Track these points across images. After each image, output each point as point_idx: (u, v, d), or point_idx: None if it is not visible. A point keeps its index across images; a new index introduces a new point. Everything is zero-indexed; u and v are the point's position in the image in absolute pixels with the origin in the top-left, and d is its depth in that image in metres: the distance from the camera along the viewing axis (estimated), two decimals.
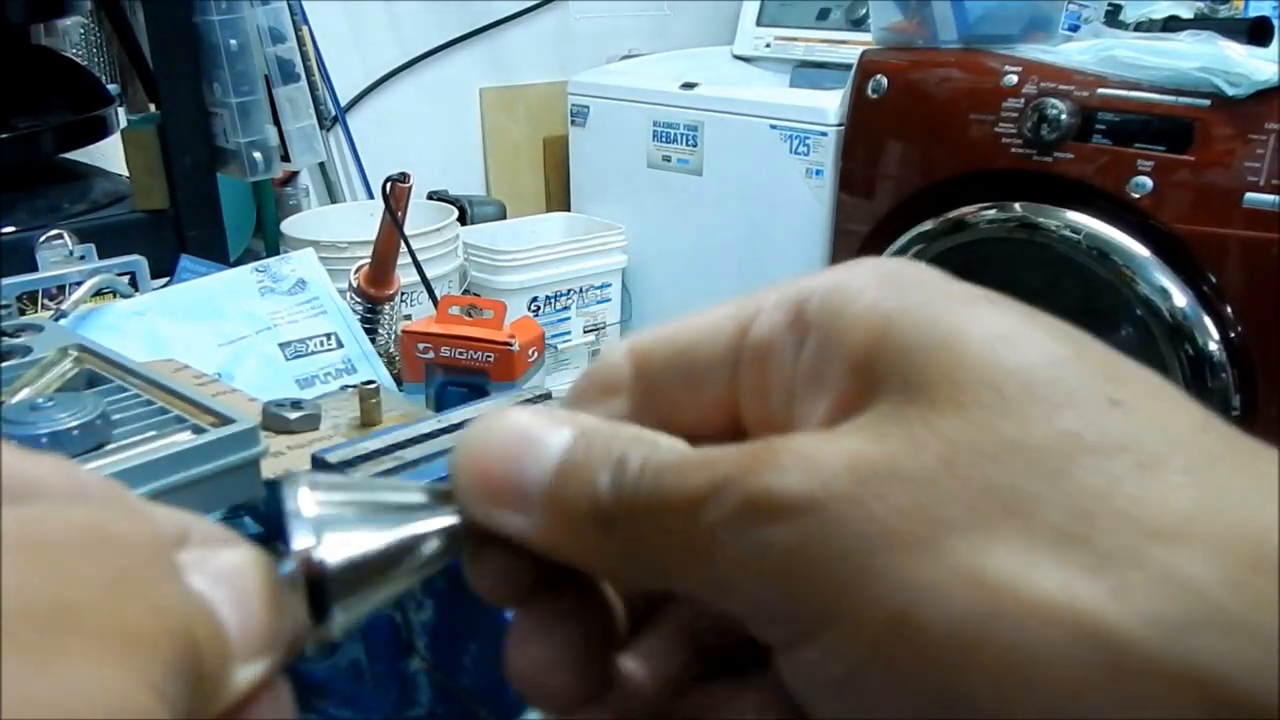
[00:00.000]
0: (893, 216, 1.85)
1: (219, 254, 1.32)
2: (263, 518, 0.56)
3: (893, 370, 0.17)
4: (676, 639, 0.21)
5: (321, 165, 2.24)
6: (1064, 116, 1.57)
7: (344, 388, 0.77)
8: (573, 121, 2.45)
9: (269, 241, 2.00)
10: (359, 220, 1.94)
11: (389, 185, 0.94)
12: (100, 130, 1.37)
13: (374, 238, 0.96)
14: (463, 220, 2.18)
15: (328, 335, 0.89)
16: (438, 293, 1.06)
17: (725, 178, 2.16)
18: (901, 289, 0.18)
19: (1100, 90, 1.56)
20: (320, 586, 0.18)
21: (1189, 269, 1.52)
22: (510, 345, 0.80)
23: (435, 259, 1.86)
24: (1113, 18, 1.88)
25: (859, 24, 2.26)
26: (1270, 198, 1.41)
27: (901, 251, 1.80)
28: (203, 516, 0.18)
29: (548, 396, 0.55)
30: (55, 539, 0.15)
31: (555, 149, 2.61)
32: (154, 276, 0.96)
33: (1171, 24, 1.80)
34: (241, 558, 0.17)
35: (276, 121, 1.32)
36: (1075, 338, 0.17)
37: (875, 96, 1.82)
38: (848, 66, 1.91)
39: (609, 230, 2.35)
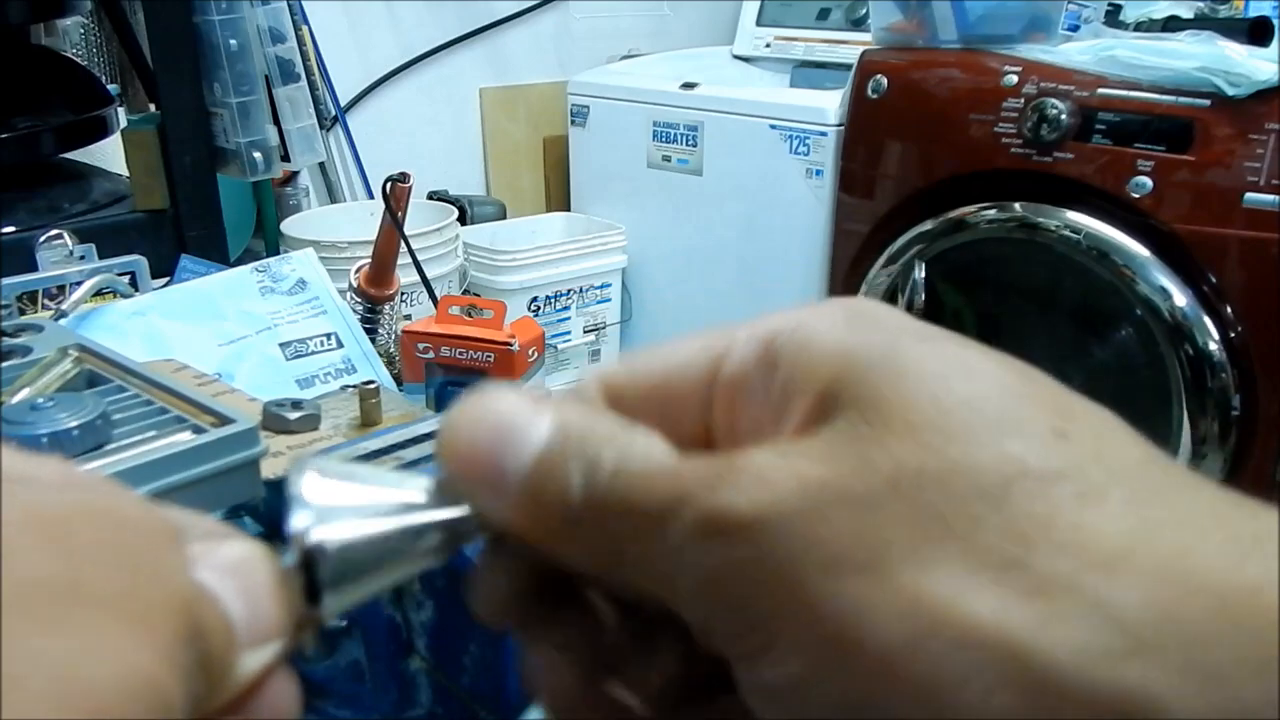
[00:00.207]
0: (893, 216, 1.85)
1: (219, 254, 1.32)
2: (263, 518, 0.56)
3: (851, 396, 0.17)
4: (675, 651, 0.21)
5: (321, 165, 2.24)
6: (1064, 116, 1.57)
7: (344, 388, 0.77)
8: (573, 121, 2.45)
9: (269, 241, 2.00)
10: (359, 220, 1.94)
11: (389, 185, 0.94)
12: (100, 130, 1.37)
13: (374, 238, 0.96)
14: (463, 220, 2.18)
15: (328, 335, 0.89)
16: (438, 293, 1.06)
17: (725, 178, 2.16)
18: (865, 327, 0.18)
19: (1100, 90, 1.56)
20: (313, 566, 0.18)
21: (1189, 269, 1.52)
22: (510, 345, 0.80)
23: (435, 259, 1.86)
24: (1113, 18, 1.88)
25: (859, 24, 2.26)
26: (1270, 198, 1.41)
27: (902, 251, 1.80)
28: (199, 514, 0.19)
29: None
30: (60, 517, 0.15)
31: (555, 149, 2.61)
32: (154, 276, 0.96)
33: (1171, 24, 1.80)
34: (245, 550, 0.18)
35: (276, 121, 1.32)
36: (1026, 373, 0.17)
37: (875, 96, 1.82)
38: (848, 66, 1.91)
39: (609, 230, 2.35)
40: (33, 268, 0.93)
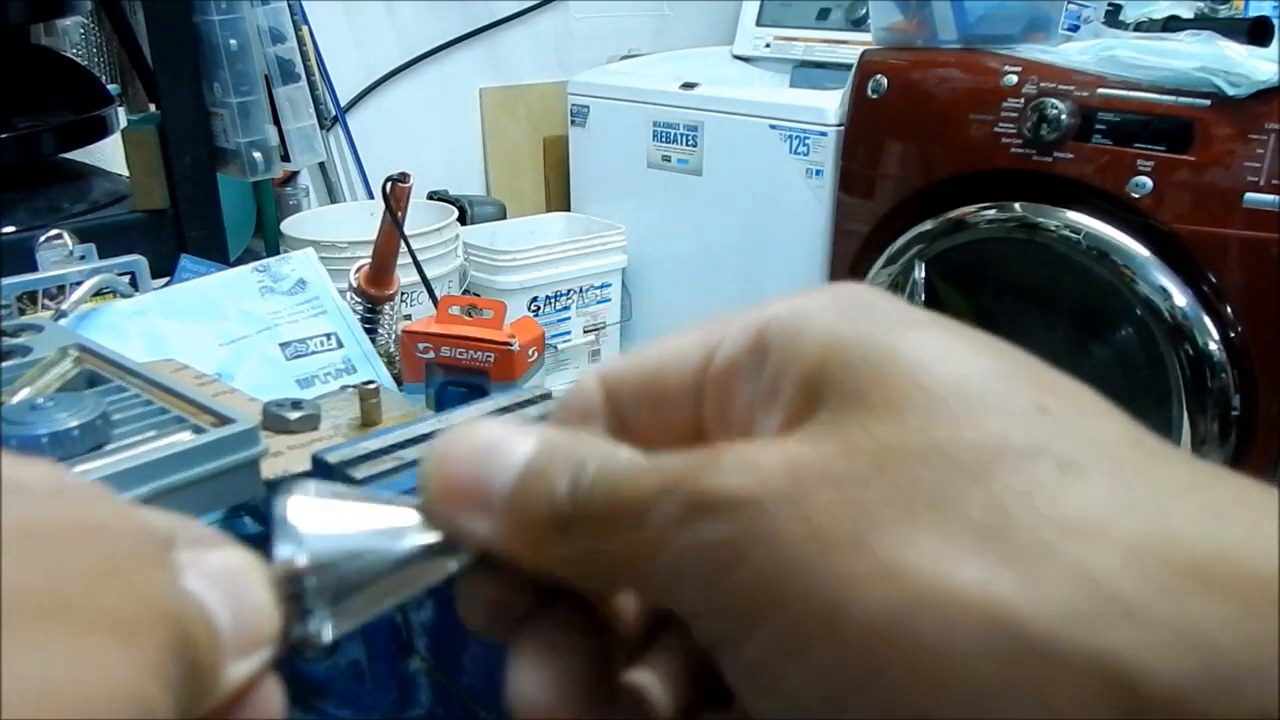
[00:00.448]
0: (893, 216, 1.85)
1: (219, 254, 1.32)
2: (263, 518, 0.56)
3: (836, 384, 0.18)
4: (682, 660, 0.21)
5: (321, 165, 2.24)
6: (1064, 116, 1.57)
7: (344, 388, 0.77)
8: (573, 121, 2.45)
9: (269, 241, 2.00)
10: (359, 220, 1.94)
11: (389, 185, 0.94)
12: (100, 130, 1.37)
13: (374, 238, 0.96)
14: (463, 220, 2.18)
15: (328, 335, 0.89)
16: (438, 293, 1.06)
17: (725, 178, 2.16)
18: (854, 314, 0.19)
19: (1100, 90, 1.56)
20: (302, 595, 0.18)
21: (1189, 269, 1.52)
22: (510, 345, 0.80)
23: (435, 259, 1.86)
24: (1113, 18, 1.88)
25: (859, 24, 2.26)
26: (1270, 198, 1.41)
27: (902, 251, 1.80)
28: (190, 519, 0.19)
29: (548, 397, 0.55)
30: (41, 531, 0.15)
31: (555, 149, 2.61)
32: (154, 276, 0.96)
33: (1171, 24, 1.80)
34: (233, 558, 0.18)
35: (276, 121, 1.32)
36: (1010, 354, 0.18)
37: (875, 96, 1.82)
38: (848, 66, 1.91)
39: (609, 230, 2.35)
40: (33, 268, 0.93)
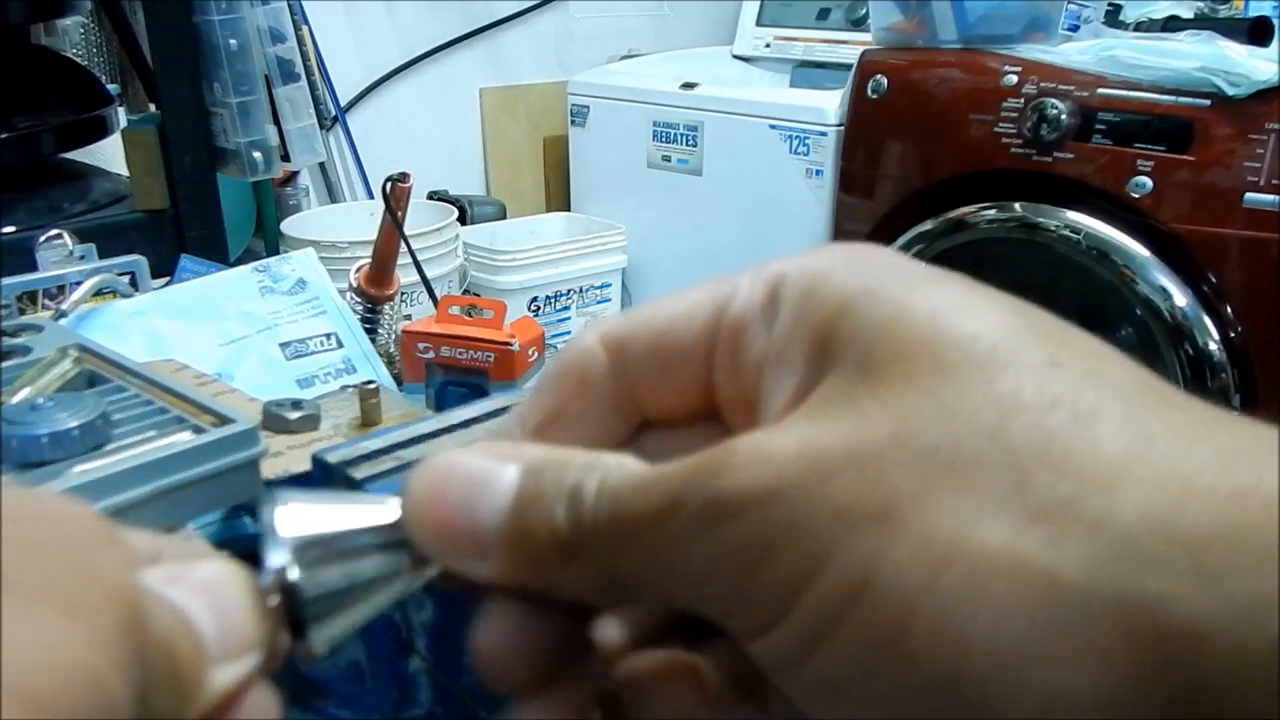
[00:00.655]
0: (893, 216, 1.85)
1: (219, 254, 1.32)
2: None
3: (847, 345, 0.18)
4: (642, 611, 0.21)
5: (321, 165, 2.24)
6: (1064, 116, 1.57)
7: (344, 388, 0.77)
8: (573, 121, 2.45)
9: (269, 241, 2.00)
10: (359, 220, 1.94)
11: (389, 185, 0.94)
12: (100, 130, 1.37)
13: (374, 238, 0.96)
14: (463, 220, 2.18)
15: (328, 335, 0.89)
16: (438, 293, 1.06)
17: (725, 178, 2.16)
18: (866, 271, 0.19)
19: (1100, 90, 1.56)
20: (294, 606, 0.18)
21: (1189, 269, 1.52)
22: (510, 345, 0.80)
23: (435, 259, 1.86)
24: (1113, 18, 1.88)
25: (859, 24, 2.26)
26: (1270, 198, 1.41)
27: (902, 252, 1.80)
28: (176, 536, 0.19)
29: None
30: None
31: (555, 149, 2.61)
32: (154, 276, 0.96)
33: (1171, 24, 1.80)
34: (217, 569, 0.18)
35: (276, 121, 1.32)
36: (1019, 308, 0.18)
37: (875, 96, 1.82)
38: (848, 66, 1.91)
39: (609, 230, 2.35)
40: (33, 268, 0.93)
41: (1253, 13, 1.76)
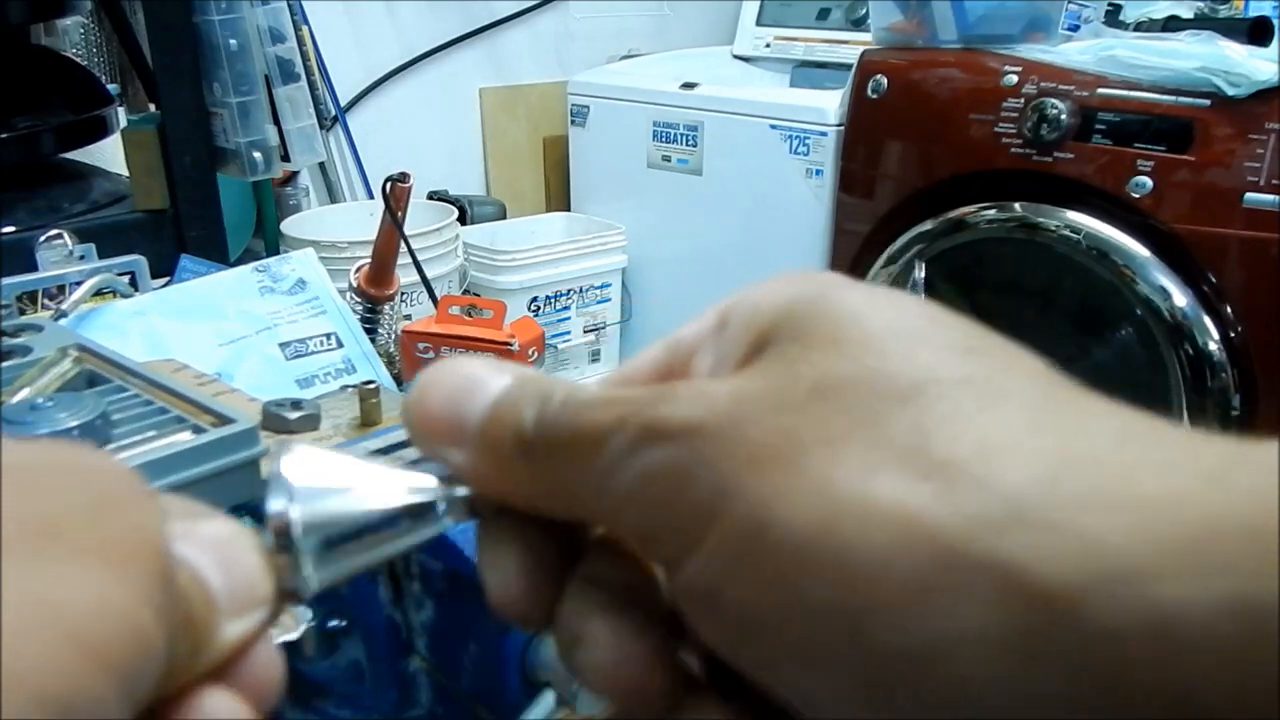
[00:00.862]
0: (893, 216, 1.85)
1: (219, 254, 1.32)
2: (263, 518, 0.56)
3: (783, 330, 0.19)
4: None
5: (321, 165, 2.24)
6: (1064, 116, 1.57)
7: (344, 388, 0.77)
8: (573, 121, 2.45)
9: (269, 241, 2.00)
10: (359, 220, 1.94)
11: (389, 185, 0.94)
12: (100, 130, 1.37)
13: (374, 238, 0.96)
14: (463, 220, 2.18)
15: (328, 335, 0.89)
16: (438, 293, 1.06)
17: (725, 178, 2.16)
18: (807, 284, 0.20)
19: (1100, 90, 1.56)
20: (292, 543, 0.19)
21: (1189, 269, 1.52)
22: (510, 345, 0.80)
23: (435, 259, 1.86)
24: (1113, 18, 1.88)
25: (859, 24, 2.25)
26: (1270, 198, 1.41)
27: (902, 252, 1.80)
28: (177, 496, 0.19)
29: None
30: (34, 464, 0.16)
31: (555, 149, 2.61)
32: (154, 276, 0.96)
33: (1171, 24, 1.80)
34: (225, 527, 0.19)
35: (276, 121, 1.32)
36: (940, 310, 0.19)
37: (875, 96, 1.82)
38: (848, 66, 1.91)
39: (609, 230, 2.35)
40: (33, 268, 0.93)
41: (1253, 13, 1.76)
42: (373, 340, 0.93)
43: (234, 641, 0.18)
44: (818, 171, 1.97)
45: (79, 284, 0.86)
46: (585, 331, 2.34)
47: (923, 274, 1.76)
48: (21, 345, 0.62)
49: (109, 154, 1.46)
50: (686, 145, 2.21)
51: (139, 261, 0.93)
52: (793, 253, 2.04)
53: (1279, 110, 1.40)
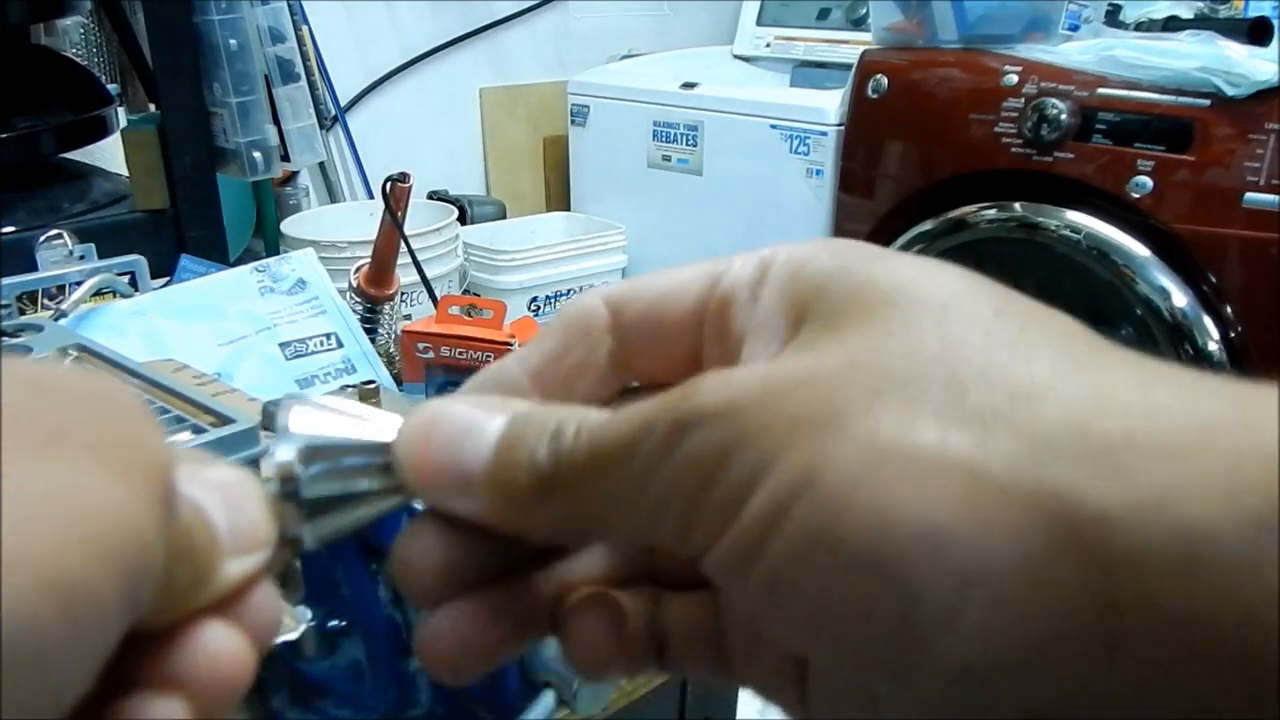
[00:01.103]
0: (893, 216, 1.85)
1: (219, 254, 1.32)
2: None
3: (818, 311, 0.20)
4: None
5: (321, 165, 2.24)
6: (1064, 116, 1.57)
7: (344, 388, 0.77)
8: (573, 121, 2.45)
9: (269, 241, 2.00)
10: (359, 220, 1.94)
11: (389, 185, 0.94)
12: (100, 130, 1.37)
13: (374, 238, 0.96)
14: (463, 220, 2.18)
15: (328, 335, 0.89)
16: (438, 293, 1.06)
17: (725, 178, 2.16)
18: (846, 255, 0.21)
19: (1100, 90, 1.56)
20: (295, 493, 0.20)
21: (1189, 269, 1.52)
22: (510, 345, 0.80)
23: (435, 259, 1.86)
24: (1113, 18, 1.88)
25: (859, 24, 2.25)
26: (1270, 198, 1.41)
27: (902, 251, 1.80)
28: (185, 448, 0.20)
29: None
30: (52, 381, 0.16)
31: (555, 149, 2.61)
32: (154, 276, 0.96)
33: (1171, 24, 1.80)
34: (229, 472, 0.20)
35: (276, 121, 1.32)
36: (971, 275, 0.20)
37: (875, 96, 1.82)
38: (848, 66, 1.91)
39: (609, 230, 2.35)
40: (33, 268, 0.93)
41: (1253, 13, 1.76)
42: (373, 340, 0.93)
43: (235, 579, 0.19)
44: (818, 171, 1.97)
45: (79, 284, 0.86)
46: None
47: None
48: (21, 345, 0.62)
49: (109, 154, 1.46)
50: (686, 145, 2.21)
51: (139, 261, 0.93)
52: None
53: (1279, 110, 1.40)
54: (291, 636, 0.48)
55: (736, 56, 2.55)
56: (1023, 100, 1.62)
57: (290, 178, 2.10)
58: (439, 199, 2.24)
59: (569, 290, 2.28)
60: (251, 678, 0.19)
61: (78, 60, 1.73)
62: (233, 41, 1.25)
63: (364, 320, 0.95)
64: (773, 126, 2.03)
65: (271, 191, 2.03)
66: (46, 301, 0.89)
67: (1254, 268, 1.46)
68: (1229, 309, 1.50)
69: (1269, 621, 0.14)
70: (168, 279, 1.00)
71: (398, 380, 0.89)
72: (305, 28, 2.00)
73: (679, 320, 0.22)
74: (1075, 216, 1.60)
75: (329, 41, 2.19)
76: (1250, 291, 1.48)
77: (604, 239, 2.32)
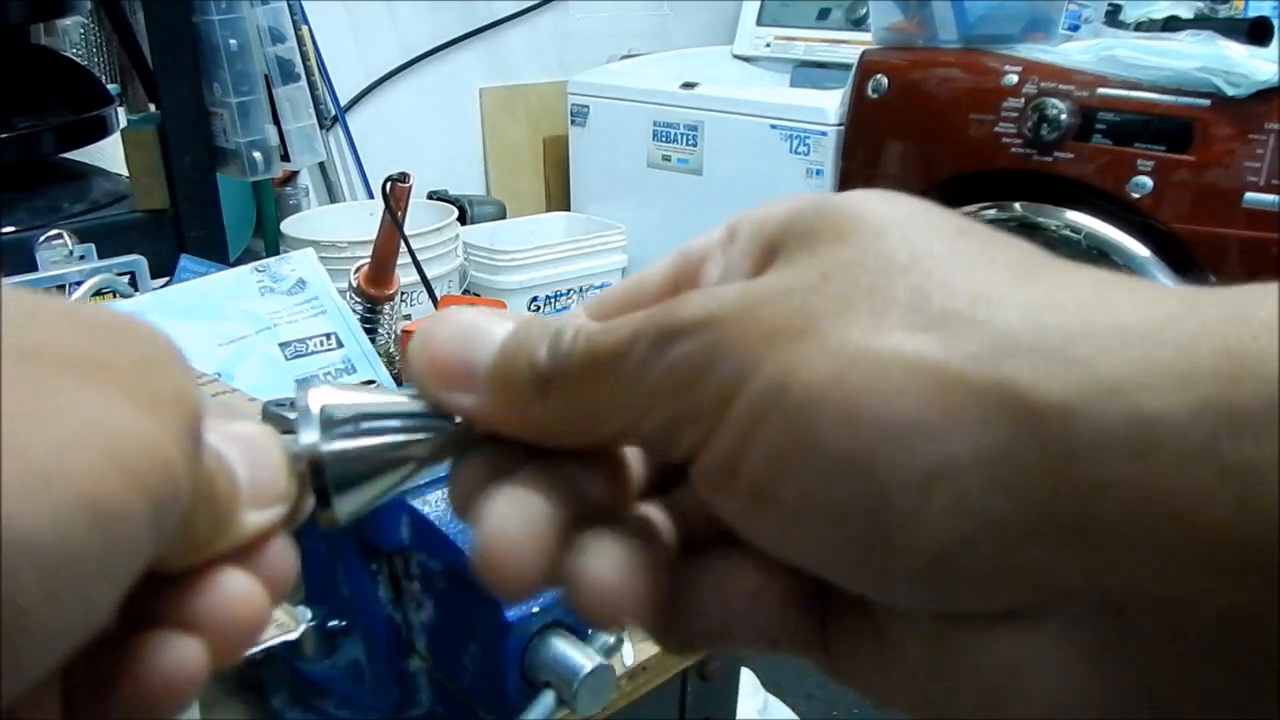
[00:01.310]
0: None
1: (219, 254, 1.32)
2: None
3: (790, 235, 0.21)
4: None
5: (321, 165, 2.24)
6: (1064, 116, 1.57)
7: None
8: (573, 121, 2.45)
9: (269, 241, 2.00)
10: (359, 220, 1.94)
11: (389, 185, 0.94)
12: (100, 130, 1.37)
13: (374, 238, 0.96)
14: (463, 220, 2.18)
15: (328, 335, 0.89)
16: (438, 293, 1.06)
17: (725, 178, 2.16)
18: (809, 198, 0.22)
19: (1100, 90, 1.56)
20: (321, 477, 0.21)
21: (1189, 269, 1.52)
22: None
23: (435, 259, 1.86)
24: (1113, 18, 1.88)
25: (859, 24, 2.26)
26: (1270, 198, 1.41)
27: None
28: (214, 401, 0.20)
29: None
30: (88, 318, 0.17)
31: (555, 149, 2.61)
32: (154, 276, 0.96)
33: (1171, 24, 1.80)
34: (252, 427, 0.20)
35: (276, 121, 1.32)
36: (934, 205, 0.21)
37: (875, 96, 1.82)
38: (848, 66, 1.91)
39: (609, 230, 2.35)
40: (33, 268, 0.93)
41: (1253, 13, 1.76)
42: (373, 340, 0.93)
43: (253, 529, 0.19)
44: (818, 171, 1.97)
45: (79, 284, 0.86)
46: None
47: None
48: None
49: (109, 154, 1.46)
50: (686, 145, 2.21)
51: (139, 261, 0.93)
52: None
53: (1279, 110, 1.40)
54: (291, 636, 0.48)
55: (736, 56, 2.55)
56: (1023, 100, 1.62)
57: (290, 178, 2.10)
58: (439, 199, 2.24)
59: (569, 290, 2.28)
60: (267, 625, 0.19)
61: (78, 60, 1.73)
62: (233, 41, 1.25)
63: (364, 320, 0.95)
64: (773, 126, 2.03)
65: (271, 191, 2.03)
66: None
67: (1254, 268, 1.46)
68: None
69: (1219, 498, 0.15)
70: (168, 279, 1.00)
71: (398, 380, 0.89)
72: (305, 28, 2.00)
73: (653, 296, 0.24)
74: (1075, 216, 1.60)
75: (329, 41, 2.19)
76: None
77: (604, 239, 2.33)
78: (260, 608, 0.19)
